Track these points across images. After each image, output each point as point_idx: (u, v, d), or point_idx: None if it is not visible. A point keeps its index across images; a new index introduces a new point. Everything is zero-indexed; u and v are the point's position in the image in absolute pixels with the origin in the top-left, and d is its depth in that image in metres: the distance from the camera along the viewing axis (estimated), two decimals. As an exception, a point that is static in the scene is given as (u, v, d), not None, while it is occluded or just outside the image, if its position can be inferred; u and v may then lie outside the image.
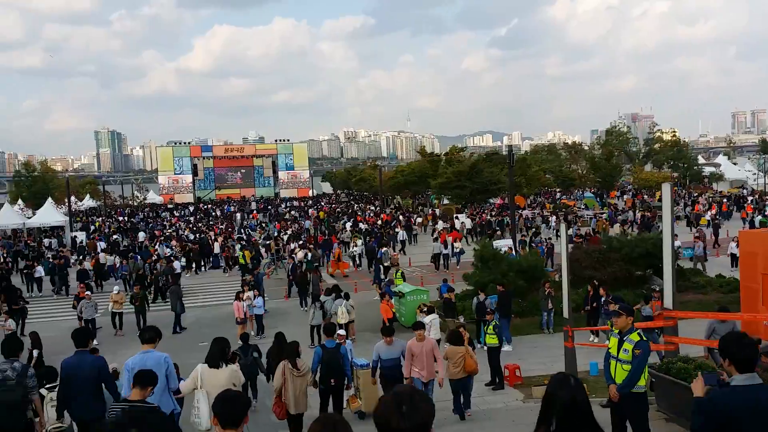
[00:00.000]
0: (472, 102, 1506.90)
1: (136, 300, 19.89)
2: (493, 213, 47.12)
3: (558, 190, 73.13)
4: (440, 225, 38.88)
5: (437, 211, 50.80)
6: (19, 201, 61.33)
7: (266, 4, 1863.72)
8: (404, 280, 21.72)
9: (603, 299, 16.20)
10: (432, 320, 14.87)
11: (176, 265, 26.49)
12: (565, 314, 12.80)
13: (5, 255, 34.09)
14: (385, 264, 26.02)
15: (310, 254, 28.21)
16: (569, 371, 12.46)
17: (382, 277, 24.19)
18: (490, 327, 13.42)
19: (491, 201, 54.33)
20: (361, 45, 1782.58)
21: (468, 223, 39.27)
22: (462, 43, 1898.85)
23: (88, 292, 20.08)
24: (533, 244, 29.42)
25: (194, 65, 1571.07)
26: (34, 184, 65.47)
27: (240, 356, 11.66)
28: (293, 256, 27.25)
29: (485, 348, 13.65)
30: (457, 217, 42.27)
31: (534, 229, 35.78)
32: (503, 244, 25.97)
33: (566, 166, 74.73)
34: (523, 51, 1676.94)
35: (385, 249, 29.37)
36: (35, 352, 13.40)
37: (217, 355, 7.74)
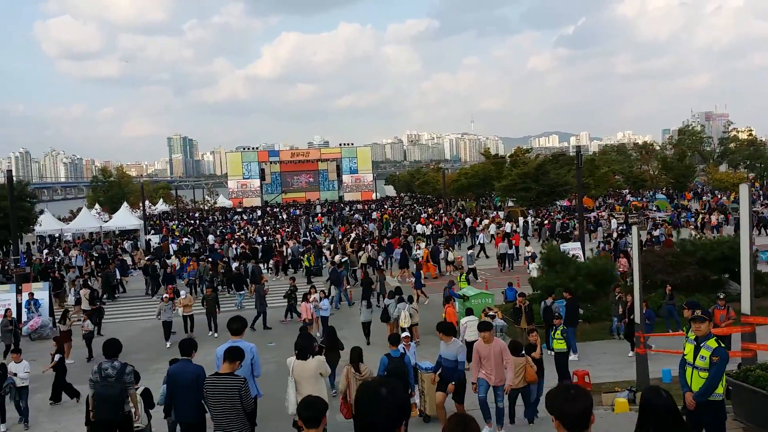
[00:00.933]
0: (538, 103, 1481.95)
1: (208, 302, 20.09)
2: (561, 215, 46.15)
3: (628, 191, 71.05)
4: (508, 227, 38.39)
5: (501, 213, 50.16)
6: (96, 205, 64.32)
7: (332, 10, 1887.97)
8: (468, 283, 21.53)
9: (667, 305, 15.55)
10: (468, 322, 14.74)
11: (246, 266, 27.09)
12: (637, 320, 12.40)
13: (88, 258, 35.52)
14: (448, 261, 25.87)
15: (347, 258, 28.55)
16: (641, 378, 12.06)
17: (422, 282, 23.84)
18: (558, 332, 13.14)
19: (558, 203, 53.26)
20: (425, 48, 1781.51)
21: (508, 228, 38.81)
22: (528, 43, 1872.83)
23: (166, 295, 20.57)
24: (619, 247, 28.43)
25: (262, 72, 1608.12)
26: (110, 189, 68.46)
27: (324, 348, 12.50)
28: (332, 260, 27.52)
29: (552, 353, 13.36)
30: (508, 220, 41.86)
31: (618, 231, 34.56)
32: (571, 247, 25.38)
33: (636, 166, 72.56)
34: (591, 50, 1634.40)
35: (445, 250, 29.33)
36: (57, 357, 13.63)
37: (307, 349, 9.07)
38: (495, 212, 53.45)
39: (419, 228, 41.78)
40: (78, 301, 22.33)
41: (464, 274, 23.31)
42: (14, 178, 28.05)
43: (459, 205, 68.59)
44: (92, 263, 33.05)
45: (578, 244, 26.39)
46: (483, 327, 10.43)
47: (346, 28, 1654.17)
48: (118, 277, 28.39)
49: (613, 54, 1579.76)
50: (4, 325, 17.66)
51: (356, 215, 61.65)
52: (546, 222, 40.63)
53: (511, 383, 9.92)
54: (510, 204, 54.33)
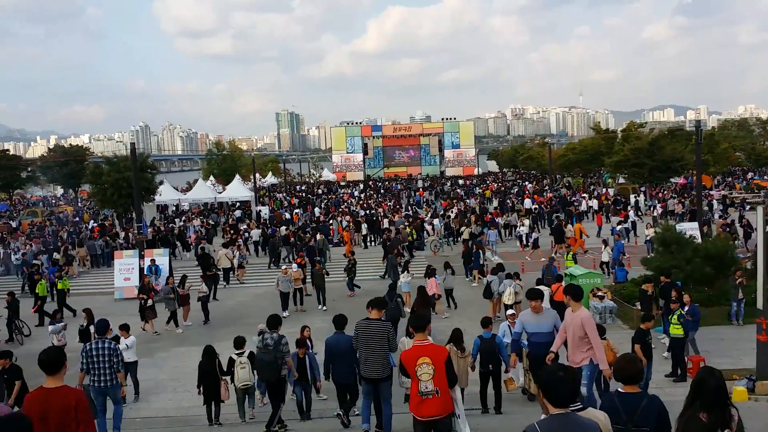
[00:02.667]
0: (652, 74, 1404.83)
1: (316, 277, 20.25)
2: (676, 194, 43.73)
3: (750, 169, 66.18)
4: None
5: (611, 191, 48.17)
6: (211, 177, 67.44)
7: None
8: (575, 263, 20.89)
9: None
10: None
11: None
12: (759, 305, 11.60)
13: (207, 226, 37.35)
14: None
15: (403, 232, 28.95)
16: (762, 367, 11.32)
17: (482, 263, 23.01)
18: (674, 316, 12.52)
19: (673, 180, 50.48)
20: (534, 18, 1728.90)
21: (595, 205, 36.93)
22: (644, 11, 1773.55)
23: (284, 267, 21.18)
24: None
25: (368, 47, 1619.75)
26: (223, 162, 71.51)
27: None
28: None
29: (663, 340, 12.76)
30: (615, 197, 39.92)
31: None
32: (688, 227, 24.00)
33: (760, 143, 67.37)
34: (712, 18, 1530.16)
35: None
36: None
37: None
38: (604, 189, 51.42)
39: (525, 203, 40.95)
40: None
41: (572, 253, 22.62)
42: (137, 151, 29.89)
43: (565, 181, 66.50)
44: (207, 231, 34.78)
45: (695, 224, 24.92)
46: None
47: (453, 1, 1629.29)
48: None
49: (736, 22, 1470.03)
50: (166, 292, 18.32)
51: (458, 190, 61.26)
52: (660, 201, 38.67)
53: (607, 368, 8.14)
54: (621, 181, 52.08)
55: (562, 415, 3.86)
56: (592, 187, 56.28)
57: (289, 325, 14.33)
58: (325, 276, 20.55)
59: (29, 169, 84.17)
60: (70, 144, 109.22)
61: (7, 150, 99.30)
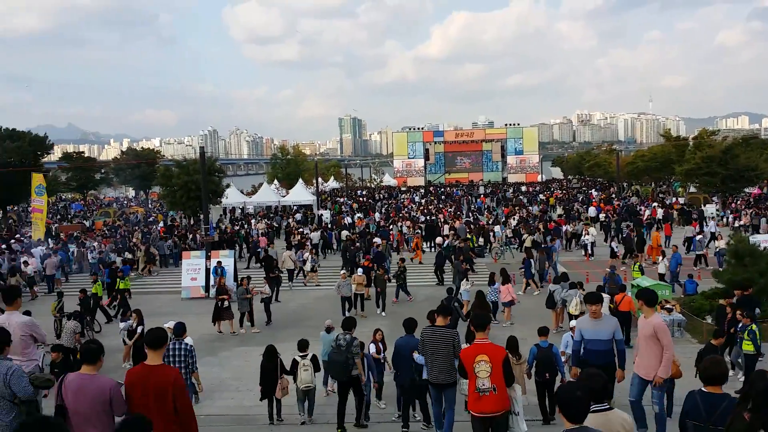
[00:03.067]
0: (726, 80, 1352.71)
1: (379, 281, 20.26)
2: (750, 204, 41.87)
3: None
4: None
5: (681, 200, 46.53)
6: (275, 181, 68.85)
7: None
8: (642, 273, 20.27)
9: None
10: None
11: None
12: None
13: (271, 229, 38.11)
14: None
15: (447, 241, 28.53)
16: None
17: (533, 271, 22.59)
18: (746, 332, 11.99)
19: (746, 191, 48.35)
20: (602, 22, 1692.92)
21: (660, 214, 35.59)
22: (717, 15, 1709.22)
23: (343, 271, 21.41)
24: None
25: (431, 52, 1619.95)
26: (287, 167, 72.93)
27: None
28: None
29: (736, 358, 12.20)
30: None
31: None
32: (762, 239, 22.94)
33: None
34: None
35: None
36: (140, 328, 14.20)
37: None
38: (674, 198, 49.73)
39: (591, 211, 40.01)
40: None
41: (638, 263, 21.96)
42: (205, 154, 30.79)
43: (633, 189, 64.64)
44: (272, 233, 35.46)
45: (771, 236, 23.80)
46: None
47: (519, 5, 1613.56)
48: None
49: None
50: (241, 294, 18.46)
51: (520, 196, 60.42)
52: (733, 212, 37.12)
53: (664, 373, 7.88)
54: (692, 190, 50.25)
55: (576, 429, 4.29)
56: (661, 196, 54.52)
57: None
58: (388, 282, 20.73)
59: (103, 170, 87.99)
60: (142, 147, 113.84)
61: (83, 152, 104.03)
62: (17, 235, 37.68)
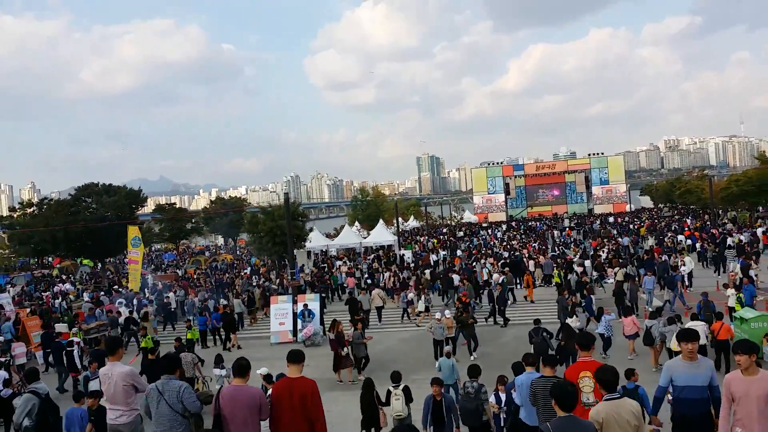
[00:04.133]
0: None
1: (465, 325, 19.46)
2: None
3: None
4: None
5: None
6: (356, 223, 69.68)
7: (582, 17, 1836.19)
8: (743, 306, 18.94)
9: None
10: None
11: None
12: None
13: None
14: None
15: (503, 277, 27.45)
16: None
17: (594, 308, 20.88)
18: None
19: None
20: (686, 46, 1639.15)
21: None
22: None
23: (438, 315, 19.95)
24: None
25: (508, 86, 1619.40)
26: (367, 208, 73.77)
27: None
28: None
29: None
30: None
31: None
32: None
33: None
34: None
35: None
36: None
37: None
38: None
39: (684, 240, 38.12)
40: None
41: (740, 295, 20.58)
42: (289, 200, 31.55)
43: (730, 216, 61.23)
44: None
45: None
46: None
47: (597, 34, 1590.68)
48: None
49: None
50: (357, 338, 17.92)
51: (609, 228, 58.35)
52: None
53: None
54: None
55: (568, 417, 5.50)
56: (760, 221, 51.33)
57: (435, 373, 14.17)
58: (474, 323, 20.08)
59: (193, 220, 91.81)
60: (230, 196, 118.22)
61: (174, 203, 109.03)
62: (115, 287, 39.59)
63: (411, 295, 26.43)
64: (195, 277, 44.46)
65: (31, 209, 68.18)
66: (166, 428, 6.88)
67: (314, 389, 6.75)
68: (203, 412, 7.35)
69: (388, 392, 11.37)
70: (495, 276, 28.56)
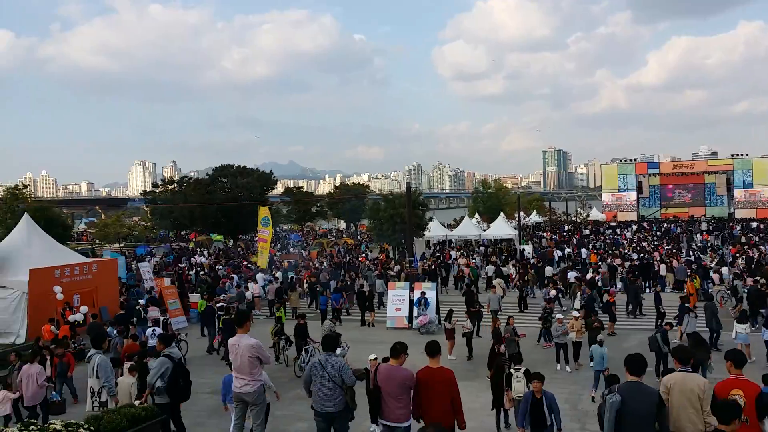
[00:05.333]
0: None
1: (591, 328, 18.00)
2: None
3: None
4: None
5: None
6: (476, 215, 69.01)
7: (731, 9, 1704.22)
8: None
9: None
10: None
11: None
12: None
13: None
14: None
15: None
16: None
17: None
18: None
19: None
20: None
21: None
22: None
23: (559, 316, 18.85)
24: None
25: (646, 80, 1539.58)
26: (488, 200, 72.83)
27: None
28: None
29: None
30: None
31: None
32: None
33: None
34: None
35: None
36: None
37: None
38: None
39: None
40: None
41: None
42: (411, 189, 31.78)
43: None
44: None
45: None
46: None
47: (747, 27, 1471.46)
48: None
49: None
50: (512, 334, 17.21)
51: (750, 234, 53.91)
52: None
53: None
54: None
55: (635, 382, 6.47)
56: None
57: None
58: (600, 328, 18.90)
59: (318, 204, 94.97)
60: (353, 182, 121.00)
61: (301, 187, 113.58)
62: (245, 263, 41.77)
63: (553, 292, 25.32)
64: (317, 258, 45.94)
65: (172, 186, 73.49)
66: (327, 396, 8.28)
67: (451, 377, 7.98)
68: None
69: (509, 374, 11.81)
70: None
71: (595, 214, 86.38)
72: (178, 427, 9.62)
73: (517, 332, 17.64)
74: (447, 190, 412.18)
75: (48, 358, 14.52)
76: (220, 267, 39.30)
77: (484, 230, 55.44)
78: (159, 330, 18.25)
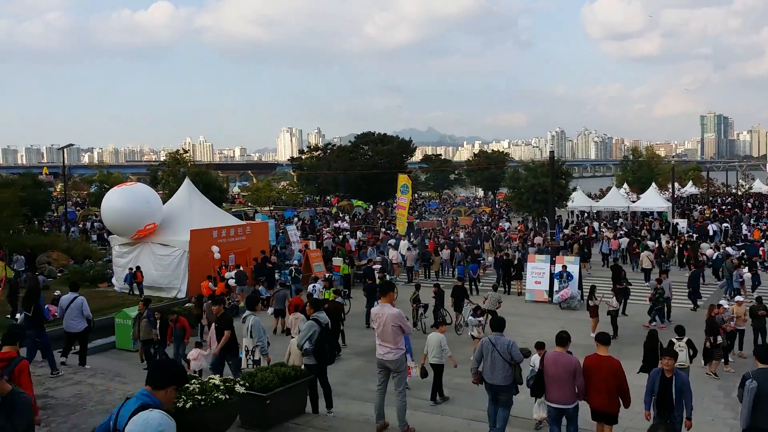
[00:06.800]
0: None
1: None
2: None
3: None
4: None
5: None
6: (625, 185, 65.41)
7: None
8: None
9: None
10: None
11: None
12: None
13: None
14: None
15: None
16: None
17: None
18: None
19: None
20: None
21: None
22: None
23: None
24: None
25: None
26: (638, 169, 68.67)
27: None
28: None
29: None
30: None
31: None
32: None
33: None
34: None
35: None
36: None
37: None
38: None
39: None
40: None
41: None
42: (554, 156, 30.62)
43: None
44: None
45: None
46: None
47: None
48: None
49: None
50: None
51: None
52: None
53: None
54: None
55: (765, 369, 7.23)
56: None
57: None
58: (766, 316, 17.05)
59: (456, 171, 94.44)
60: (492, 149, 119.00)
61: (440, 154, 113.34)
62: (383, 229, 42.61)
63: (748, 275, 23.06)
64: (453, 226, 45.92)
65: (317, 153, 76.30)
66: (499, 372, 9.01)
67: (617, 365, 8.46)
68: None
69: (671, 343, 12.02)
70: None
71: (759, 186, 78.75)
72: (324, 387, 10.11)
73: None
74: (592, 158, 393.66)
75: (158, 321, 15.37)
76: (360, 234, 40.36)
77: (633, 201, 52.50)
78: (319, 287, 20.39)
